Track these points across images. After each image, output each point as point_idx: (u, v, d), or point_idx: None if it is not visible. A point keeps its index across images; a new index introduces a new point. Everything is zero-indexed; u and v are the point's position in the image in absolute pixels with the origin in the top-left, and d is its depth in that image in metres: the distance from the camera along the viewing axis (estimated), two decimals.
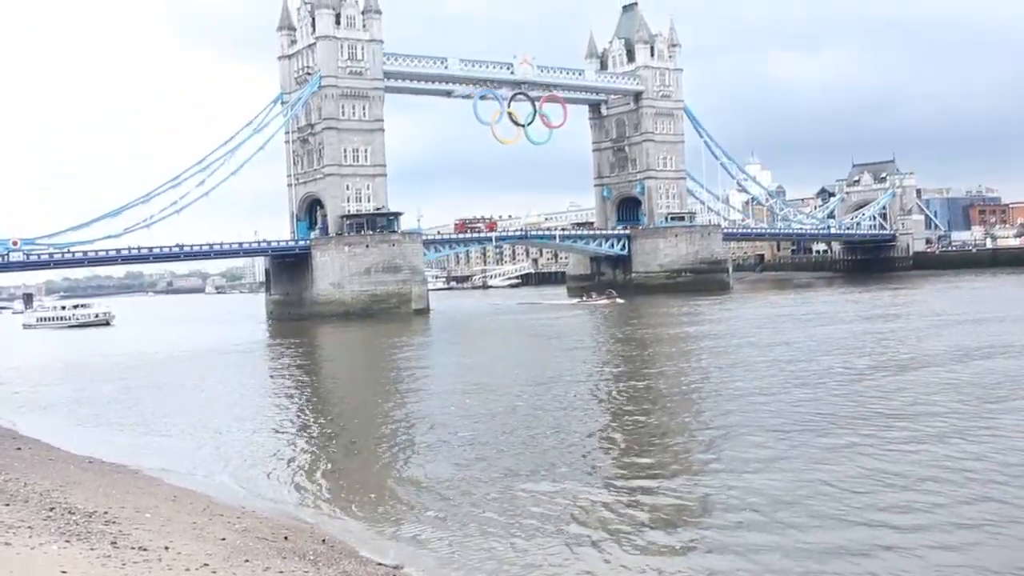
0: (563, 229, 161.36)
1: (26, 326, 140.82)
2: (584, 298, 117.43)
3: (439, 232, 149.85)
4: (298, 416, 38.90)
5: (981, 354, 44.27)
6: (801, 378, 38.95)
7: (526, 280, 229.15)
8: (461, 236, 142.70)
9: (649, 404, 35.46)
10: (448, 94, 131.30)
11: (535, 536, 19.03)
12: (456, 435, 30.67)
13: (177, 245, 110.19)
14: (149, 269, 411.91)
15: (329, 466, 27.74)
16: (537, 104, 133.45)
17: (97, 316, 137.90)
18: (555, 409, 34.60)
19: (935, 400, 32.18)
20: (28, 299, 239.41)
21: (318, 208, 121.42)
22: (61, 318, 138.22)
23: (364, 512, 22.03)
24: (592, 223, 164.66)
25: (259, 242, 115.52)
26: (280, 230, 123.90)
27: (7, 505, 18.51)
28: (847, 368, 41.67)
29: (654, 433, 29.33)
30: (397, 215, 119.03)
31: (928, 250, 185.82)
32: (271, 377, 56.08)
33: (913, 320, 69.12)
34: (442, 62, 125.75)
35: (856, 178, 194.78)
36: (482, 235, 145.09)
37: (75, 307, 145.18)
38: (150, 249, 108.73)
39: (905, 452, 24.37)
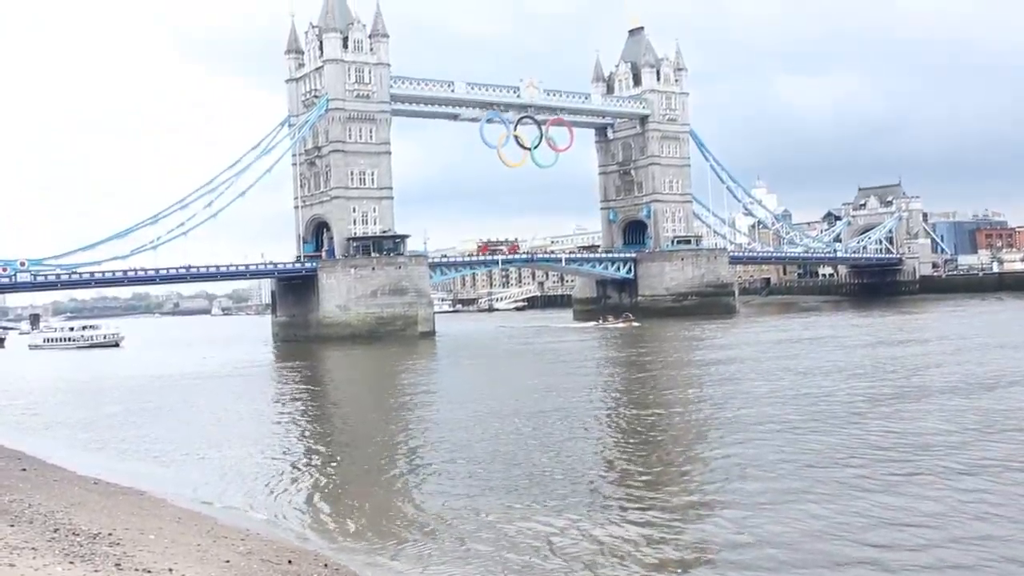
0: (569, 252, 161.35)
1: (32, 347, 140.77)
2: (601, 321, 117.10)
3: (444, 255, 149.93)
4: (303, 440, 38.88)
5: (988, 384, 43.75)
6: (806, 409, 38.20)
7: (532, 303, 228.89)
8: (467, 259, 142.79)
9: (653, 435, 35.05)
10: (455, 117, 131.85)
11: (534, 567, 18.97)
12: (460, 462, 30.58)
13: (184, 266, 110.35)
14: (155, 290, 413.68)
15: (333, 490, 27.73)
16: (543, 127, 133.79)
17: (106, 337, 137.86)
18: (560, 439, 34.26)
19: (939, 431, 31.73)
20: (35, 320, 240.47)
21: (325, 231, 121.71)
22: (69, 339, 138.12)
23: (367, 537, 21.99)
24: (598, 246, 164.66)
25: (265, 264, 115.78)
26: (286, 252, 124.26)
27: (11, 526, 18.52)
28: (852, 398, 41.02)
29: (656, 466, 28.93)
30: (403, 238, 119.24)
31: (935, 274, 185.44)
32: (276, 400, 56.02)
33: (920, 346, 68.75)
34: (449, 85, 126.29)
35: (862, 202, 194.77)
36: (488, 258, 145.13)
37: (84, 328, 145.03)
38: (157, 270, 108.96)
39: (907, 488, 23.89)
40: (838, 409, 37.64)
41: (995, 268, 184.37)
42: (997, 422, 32.85)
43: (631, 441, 33.81)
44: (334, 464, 32.05)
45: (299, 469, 31.53)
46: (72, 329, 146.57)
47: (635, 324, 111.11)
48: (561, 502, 24.25)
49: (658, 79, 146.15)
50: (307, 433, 40.66)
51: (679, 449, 31.59)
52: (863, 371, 52.01)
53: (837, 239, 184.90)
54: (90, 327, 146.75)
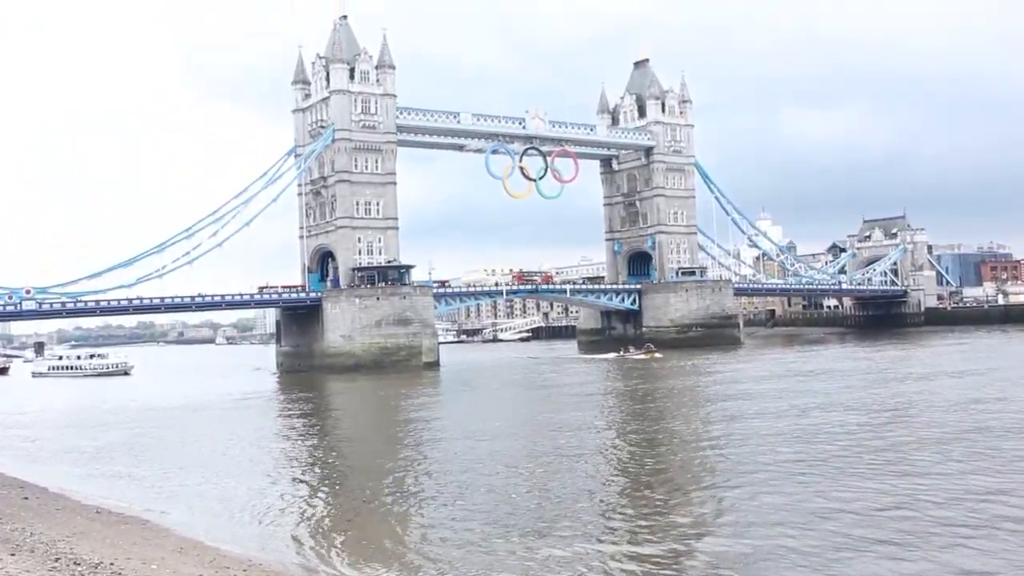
0: (574, 283, 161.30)
1: (36, 375, 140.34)
2: (622, 352, 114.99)
3: (449, 285, 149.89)
4: (306, 470, 38.77)
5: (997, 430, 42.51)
6: (806, 451, 37.11)
7: (536, 334, 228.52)
8: (472, 290, 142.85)
9: (652, 475, 34.50)
10: (460, 148, 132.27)
11: None
12: (465, 495, 30.47)
13: (189, 295, 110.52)
14: (160, 319, 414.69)
15: (336, 522, 27.62)
16: (549, 159, 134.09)
17: (116, 366, 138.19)
18: (560, 476, 33.81)
19: (940, 472, 31.10)
20: (39, 348, 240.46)
21: (330, 260, 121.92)
22: (75, 367, 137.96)
23: (370, 569, 21.87)
24: (603, 277, 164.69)
25: (270, 293, 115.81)
26: (292, 282, 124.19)
27: (12, 555, 18.43)
28: (857, 441, 39.30)
29: (653, 509, 28.09)
30: (408, 268, 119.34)
31: (940, 306, 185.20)
32: (279, 431, 55.94)
33: (926, 383, 67.75)
34: (455, 116, 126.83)
35: (867, 234, 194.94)
36: (492, 288, 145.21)
37: (91, 357, 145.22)
38: (162, 299, 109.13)
39: (906, 540, 22.96)
40: (845, 452, 36.33)
41: (1000, 300, 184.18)
42: (999, 471, 31.44)
43: (632, 481, 33.38)
44: (337, 496, 31.93)
45: (302, 499, 31.40)
46: (79, 357, 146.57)
47: (657, 355, 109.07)
48: (559, 542, 23.95)
49: (663, 111, 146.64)
50: (310, 464, 40.52)
51: (675, 491, 30.69)
52: (867, 410, 51.62)
53: (842, 271, 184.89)
54: (98, 355, 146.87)
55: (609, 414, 56.26)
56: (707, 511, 27.15)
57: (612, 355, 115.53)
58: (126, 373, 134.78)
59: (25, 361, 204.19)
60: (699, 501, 28.53)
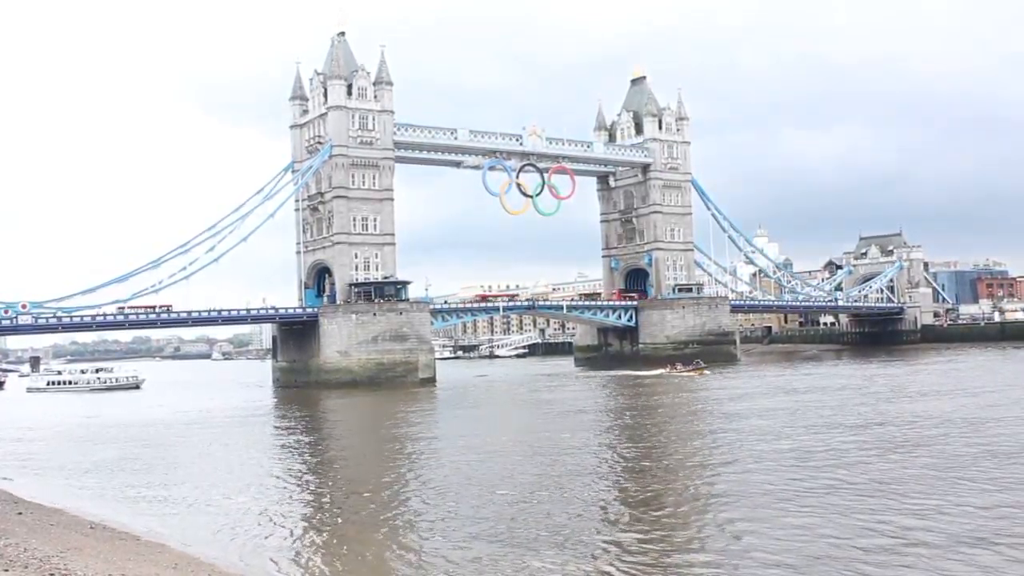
0: (571, 300, 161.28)
1: (31, 390, 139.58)
2: (669, 368, 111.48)
3: (446, 301, 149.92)
4: (303, 487, 38.70)
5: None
6: (809, 471, 36.97)
7: (533, 350, 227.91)
8: (468, 306, 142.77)
9: (647, 497, 34.19)
10: (457, 164, 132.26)
11: None
12: (461, 513, 30.39)
13: (185, 311, 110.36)
14: (156, 334, 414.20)
15: (333, 539, 27.54)
16: (546, 175, 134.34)
17: (128, 379, 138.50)
18: (558, 491, 33.93)
19: (938, 507, 30.58)
20: (35, 362, 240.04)
21: (326, 276, 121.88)
22: (75, 382, 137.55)
23: None
24: (600, 294, 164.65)
25: (267, 309, 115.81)
26: (288, 297, 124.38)
27: (6, 571, 18.36)
28: (849, 465, 38.55)
29: (652, 527, 28.02)
30: (405, 284, 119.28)
31: (936, 323, 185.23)
32: (277, 446, 55.86)
33: (924, 406, 67.48)
34: (452, 133, 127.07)
35: (863, 251, 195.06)
36: (489, 304, 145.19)
37: (97, 371, 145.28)
38: (158, 314, 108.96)
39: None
40: (839, 473, 36.09)
41: (996, 318, 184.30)
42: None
43: (627, 498, 33.32)
44: (332, 513, 31.85)
45: (299, 516, 31.33)
46: (83, 372, 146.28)
47: (706, 372, 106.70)
48: (553, 557, 23.94)
49: (660, 128, 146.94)
50: (306, 481, 40.43)
51: (672, 507, 30.85)
52: (864, 428, 51.74)
53: (838, 288, 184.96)
54: (104, 369, 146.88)
55: (607, 431, 56.15)
56: (702, 528, 27.16)
57: (659, 371, 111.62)
58: (136, 387, 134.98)
59: (21, 376, 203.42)
60: (696, 519, 28.51)
